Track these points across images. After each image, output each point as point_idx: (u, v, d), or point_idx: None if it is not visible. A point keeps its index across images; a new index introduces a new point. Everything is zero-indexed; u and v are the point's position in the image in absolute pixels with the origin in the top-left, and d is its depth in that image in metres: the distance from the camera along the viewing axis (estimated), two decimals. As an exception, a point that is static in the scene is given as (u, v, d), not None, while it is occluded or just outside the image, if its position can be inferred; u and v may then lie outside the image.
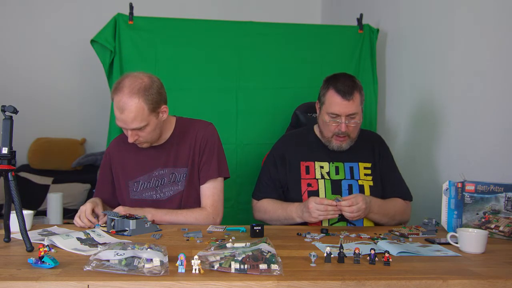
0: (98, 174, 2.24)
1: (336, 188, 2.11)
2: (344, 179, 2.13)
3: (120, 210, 1.88)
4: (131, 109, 1.86)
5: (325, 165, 2.16)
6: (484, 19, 2.17)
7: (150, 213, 1.91)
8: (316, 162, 2.16)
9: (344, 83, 2.06)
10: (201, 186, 2.06)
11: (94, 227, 1.79)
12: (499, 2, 2.08)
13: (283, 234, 1.81)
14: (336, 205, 1.89)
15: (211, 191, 2.05)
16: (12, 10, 4.07)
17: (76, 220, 1.86)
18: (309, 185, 2.12)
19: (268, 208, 2.13)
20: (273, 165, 2.19)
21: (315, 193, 2.09)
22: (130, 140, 1.94)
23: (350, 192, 2.11)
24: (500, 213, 1.84)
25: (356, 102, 2.06)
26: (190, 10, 3.71)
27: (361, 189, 2.12)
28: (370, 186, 2.13)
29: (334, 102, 2.06)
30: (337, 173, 2.15)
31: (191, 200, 2.05)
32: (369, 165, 2.18)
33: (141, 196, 2.05)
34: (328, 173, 2.14)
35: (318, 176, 2.14)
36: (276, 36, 2.95)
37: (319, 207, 1.89)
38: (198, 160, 2.05)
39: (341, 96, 2.04)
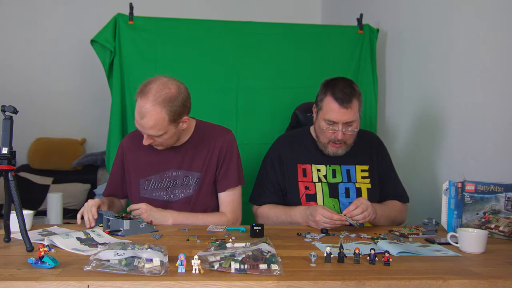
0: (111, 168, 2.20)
1: (333, 192, 2.10)
2: (341, 182, 2.12)
3: (143, 207, 1.86)
4: (152, 117, 1.82)
5: (322, 168, 2.14)
6: (484, 19, 2.17)
7: (172, 217, 1.91)
8: (313, 165, 2.14)
9: (343, 90, 2.00)
10: (219, 194, 2.07)
11: (94, 227, 1.79)
12: (499, 2, 2.08)
13: (283, 234, 1.81)
14: (345, 215, 1.86)
15: (230, 197, 2.06)
16: (12, 10, 4.06)
17: (79, 216, 1.83)
18: (306, 188, 2.10)
19: (270, 214, 2.11)
20: (271, 168, 2.16)
21: (313, 197, 2.08)
22: (145, 142, 1.92)
23: (347, 195, 2.10)
24: (500, 213, 1.84)
25: (354, 109, 2.02)
26: (190, 10, 3.72)
27: (359, 192, 2.10)
28: (368, 188, 2.12)
29: (332, 110, 2.01)
30: (334, 176, 2.13)
31: (199, 204, 2.03)
32: (366, 167, 2.16)
33: (151, 195, 2.03)
34: (325, 176, 2.13)
35: (315, 179, 2.12)
36: (276, 36, 2.94)
37: (326, 221, 1.87)
38: (215, 167, 2.04)
39: (339, 103, 1.99)
